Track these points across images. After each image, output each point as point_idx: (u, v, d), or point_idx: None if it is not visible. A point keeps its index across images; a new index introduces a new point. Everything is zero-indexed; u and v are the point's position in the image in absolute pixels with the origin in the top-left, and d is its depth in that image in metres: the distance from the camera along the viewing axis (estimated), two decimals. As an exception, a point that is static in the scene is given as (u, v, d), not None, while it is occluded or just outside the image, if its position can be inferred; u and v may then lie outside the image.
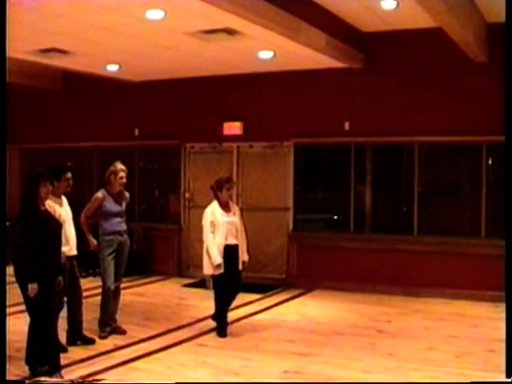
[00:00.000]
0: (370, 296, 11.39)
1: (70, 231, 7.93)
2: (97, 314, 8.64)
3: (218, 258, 8.67)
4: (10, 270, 6.79)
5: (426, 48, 11.48)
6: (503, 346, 8.06)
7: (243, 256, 9.03)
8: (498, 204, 11.25)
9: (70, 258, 7.87)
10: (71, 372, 6.94)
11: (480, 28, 10.47)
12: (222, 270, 8.71)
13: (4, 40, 6.49)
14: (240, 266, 8.97)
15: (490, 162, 11.36)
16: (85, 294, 8.55)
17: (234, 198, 13.00)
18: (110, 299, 8.64)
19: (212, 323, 9.11)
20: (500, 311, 10.22)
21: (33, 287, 6.51)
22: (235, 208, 9.20)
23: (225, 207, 8.95)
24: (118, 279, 8.72)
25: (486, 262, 11.08)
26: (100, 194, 8.68)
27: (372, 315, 10.08)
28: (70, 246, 7.85)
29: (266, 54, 11.05)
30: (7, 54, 11.33)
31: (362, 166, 12.24)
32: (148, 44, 10.33)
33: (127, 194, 8.94)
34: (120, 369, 7.13)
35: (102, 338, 8.36)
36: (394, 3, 9.45)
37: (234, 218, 8.94)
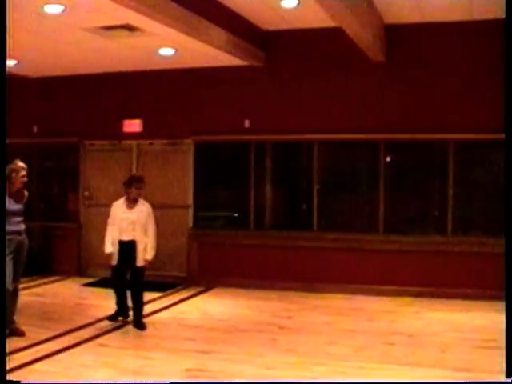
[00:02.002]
0: (271, 292, 11.47)
1: None
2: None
3: (107, 248, 9.08)
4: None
5: (326, 47, 11.64)
6: (401, 338, 8.34)
7: (145, 254, 8.97)
8: (396, 200, 11.53)
9: None
10: (-32, 375, 6.76)
11: (378, 28, 10.68)
12: (114, 262, 9.01)
13: (4, 41, 6.27)
14: (140, 263, 8.93)
15: (387, 159, 11.60)
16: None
17: (134, 195, 12.92)
18: (8, 301, 8.44)
19: (112, 323, 9.05)
20: (397, 305, 10.53)
21: None
22: (143, 207, 9.20)
23: (131, 204, 9.05)
24: (16, 280, 8.53)
25: (384, 258, 11.34)
26: None
27: (273, 311, 10.16)
28: None
29: (166, 51, 11.01)
30: None
31: (262, 164, 12.32)
32: (47, 39, 10.14)
33: (26, 193, 8.76)
34: (19, 372, 6.94)
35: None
36: (295, 2, 9.56)
37: (133, 215, 8.94)
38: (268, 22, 11.25)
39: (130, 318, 9.19)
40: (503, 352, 7.40)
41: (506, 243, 5.46)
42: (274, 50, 11.92)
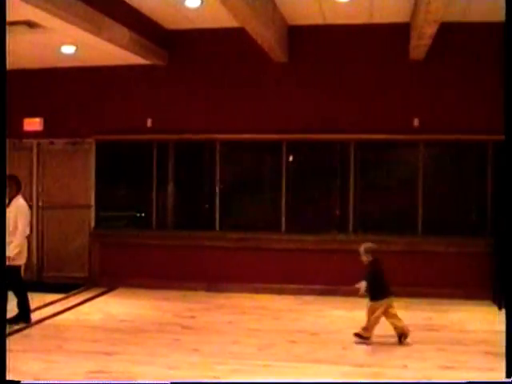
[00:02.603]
0: (175, 293, 11.44)
1: None
2: None
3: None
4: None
5: (230, 47, 11.69)
6: (304, 336, 8.45)
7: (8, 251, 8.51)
8: (297, 200, 11.67)
9: None
10: None
11: (281, 30, 10.78)
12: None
13: (4, 40, 5.99)
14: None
15: (290, 158, 11.72)
16: None
17: (34, 195, 12.71)
18: None
19: (12, 325, 8.89)
20: (300, 303, 10.66)
21: None
22: (15, 204, 9.12)
23: (8, 202, 9.03)
24: None
25: (286, 256, 11.45)
26: None
27: (176, 312, 10.14)
28: None
29: (68, 49, 10.85)
30: None
31: (165, 164, 12.27)
32: None
33: None
34: None
35: None
36: (198, 1, 9.55)
37: (8, 213, 8.80)
38: (172, 21, 11.21)
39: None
40: (402, 347, 7.69)
41: (506, 243, 5.47)
42: (177, 49, 11.89)
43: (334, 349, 7.93)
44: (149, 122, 12.17)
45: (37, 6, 8.00)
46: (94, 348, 7.98)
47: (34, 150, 12.86)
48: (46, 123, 12.66)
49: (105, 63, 11.91)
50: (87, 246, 12.58)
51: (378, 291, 8.06)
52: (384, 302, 8.04)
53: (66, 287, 11.86)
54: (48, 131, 12.67)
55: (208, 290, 11.57)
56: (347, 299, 10.67)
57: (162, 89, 12.15)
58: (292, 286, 11.35)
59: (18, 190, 9.35)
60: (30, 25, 9.19)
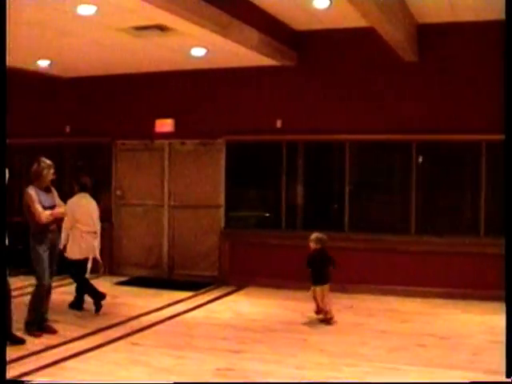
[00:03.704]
0: (302, 292, 11.40)
1: None
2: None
3: None
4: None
5: (358, 47, 11.60)
6: (434, 340, 8.28)
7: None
8: (429, 201, 11.46)
9: None
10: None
11: (411, 28, 10.62)
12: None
13: (4, 41, 6.32)
14: None
15: (419, 159, 11.53)
16: (14, 293, 8.39)
17: (166, 195, 13.02)
18: (43, 297, 8.52)
19: (145, 321, 9.11)
20: (430, 306, 10.46)
21: None
22: (69, 201, 10.07)
23: None
24: (51, 277, 8.60)
25: (416, 259, 11.27)
26: (32, 190, 8.51)
27: (304, 312, 10.12)
28: None
29: (198, 52, 11.01)
30: None
31: (294, 164, 12.30)
32: (80, 40, 10.19)
33: (54, 190, 8.85)
34: (51, 369, 7.02)
35: (35, 336, 8.24)
36: (327, 2, 9.51)
37: None
38: (300, 21, 11.23)
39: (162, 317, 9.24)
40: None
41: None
42: (305, 49, 11.90)
43: (465, 354, 7.75)
44: (278, 123, 12.22)
45: (168, 10, 8.16)
46: (222, 346, 8.10)
47: (166, 151, 13.13)
48: (177, 124, 12.91)
49: (234, 65, 12.03)
50: (217, 246, 12.75)
51: (322, 276, 9.42)
52: (320, 288, 9.37)
53: (196, 285, 12.09)
54: (179, 132, 12.92)
55: (336, 290, 11.46)
56: (480, 303, 10.43)
57: (291, 89, 12.18)
58: (420, 289, 11.14)
59: (80, 190, 10.40)
60: (162, 29, 9.38)
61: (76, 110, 13.74)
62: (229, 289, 11.94)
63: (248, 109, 12.39)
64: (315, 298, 9.49)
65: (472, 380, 6.66)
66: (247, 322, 9.51)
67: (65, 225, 9.83)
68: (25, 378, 6.63)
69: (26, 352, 7.57)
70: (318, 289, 9.42)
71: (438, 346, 8.14)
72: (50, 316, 8.77)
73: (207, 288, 12.00)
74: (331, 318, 9.37)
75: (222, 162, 12.66)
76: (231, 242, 12.58)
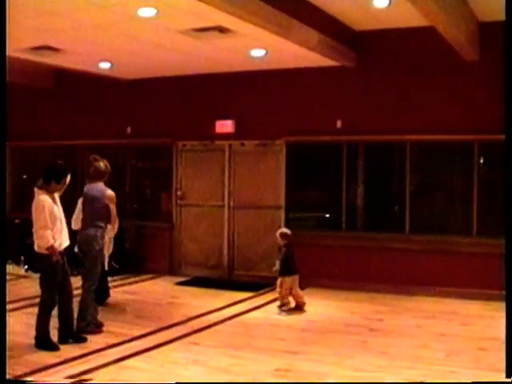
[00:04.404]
0: (362, 294, 11.39)
1: (62, 227, 7.93)
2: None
3: None
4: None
5: (419, 46, 11.49)
6: (495, 344, 8.13)
7: None
8: (491, 203, 11.29)
9: (61, 254, 7.86)
10: (63, 370, 6.94)
11: (472, 27, 10.49)
12: None
13: (4, 40, 6.44)
14: None
15: (481, 160, 11.37)
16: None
17: (226, 195, 13.08)
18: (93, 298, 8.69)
19: (204, 321, 9.17)
20: (491, 309, 10.29)
21: None
22: None
23: None
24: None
25: (478, 261, 11.11)
26: (111, 191, 8.76)
27: (363, 313, 10.09)
28: (60, 241, 7.84)
29: (258, 53, 11.04)
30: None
31: (354, 164, 12.23)
32: (140, 42, 10.32)
33: None
34: (112, 367, 7.12)
35: (97, 332, 8.37)
36: (386, 2, 9.44)
37: None
38: (360, 22, 11.17)
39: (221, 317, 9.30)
40: None
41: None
42: (365, 50, 11.82)
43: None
44: (338, 123, 12.17)
45: (228, 12, 8.20)
46: (280, 346, 8.11)
47: (226, 152, 13.19)
48: (237, 125, 12.96)
49: (293, 65, 12.02)
50: (276, 247, 12.73)
51: (288, 269, 10.26)
52: (291, 278, 10.21)
53: (255, 286, 12.12)
54: (239, 133, 12.97)
55: (396, 292, 11.42)
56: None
57: (351, 90, 12.13)
58: (482, 291, 10.98)
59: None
60: (221, 30, 9.43)
61: (137, 111, 13.90)
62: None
63: (308, 109, 12.37)
64: (281, 289, 10.30)
65: None
66: (306, 323, 9.50)
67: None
68: (85, 376, 6.73)
69: (88, 350, 7.69)
70: (288, 279, 10.23)
71: (500, 350, 7.99)
72: (112, 315, 8.91)
73: (266, 289, 11.99)
74: (304, 304, 10.28)
75: (282, 163, 12.66)
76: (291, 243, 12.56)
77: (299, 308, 10.24)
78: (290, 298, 10.31)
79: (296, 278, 10.29)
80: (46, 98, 14.78)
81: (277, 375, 6.95)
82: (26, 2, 8.01)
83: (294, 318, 9.84)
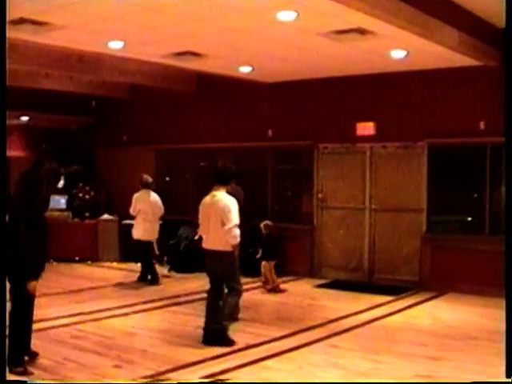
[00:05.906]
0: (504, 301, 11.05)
1: None
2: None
3: None
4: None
5: None
6: None
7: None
8: None
9: None
10: (203, 369, 7.10)
11: None
12: None
13: (4, 40, 6.49)
14: None
15: None
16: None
17: (367, 198, 12.99)
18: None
19: (344, 324, 9.16)
20: None
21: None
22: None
23: None
24: None
25: None
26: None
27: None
28: None
29: (398, 54, 10.89)
30: (142, 58, 11.73)
31: (498, 167, 11.88)
32: (280, 45, 10.39)
33: None
34: (252, 367, 7.22)
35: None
36: (532, -5, 9.13)
37: None
38: (502, 18, 10.84)
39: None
40: None
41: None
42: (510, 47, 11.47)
43: None
44: (481, 125, 11.87)
45: (368, 13, 8.14)
46: (421, 352, 8.01)
47: (367, 154, 13.08)
48: (378, 127, 12.86)
49: (433, 66, 11.79)
50: (418, 250, 12.55)
51: (271, 254, 11.91)
52: (273, 262, 11.88)
53: (395, 290, 11.97)
54: (380, 135, 12.85)
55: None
56: None
57: (495, 90, 11.79)
58: None
59: (142, 187, 12.59)
60: (362, 32, 9.37)
61: (277, 113, 14.01)
62: (429, 294, 11.71)
63: (449, 111, 12.11)
64: (265, 272, 11.89)
65: None
66: (447, 329, 9.31)
67: (133, 213, 12.60)
68: (223, 376, 6.84)
69: (228, 350, 7.81)
70: (268, 264, 11.84)
71: None
72: (252, 315, 9.04)
73: (407, 293, 11.84)
74: (277, 286, 11.87)
75: (424, 165, 12.45)
76: (432, 246, 12.35)
77: (274, 289, 11.76)
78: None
79: (273, 263, 11.90)
80: (189, 102, 15.12)
81: (417, 381, 6.85)
82: (173, 9, 8.23)
83: (435, 323, 9.67)
